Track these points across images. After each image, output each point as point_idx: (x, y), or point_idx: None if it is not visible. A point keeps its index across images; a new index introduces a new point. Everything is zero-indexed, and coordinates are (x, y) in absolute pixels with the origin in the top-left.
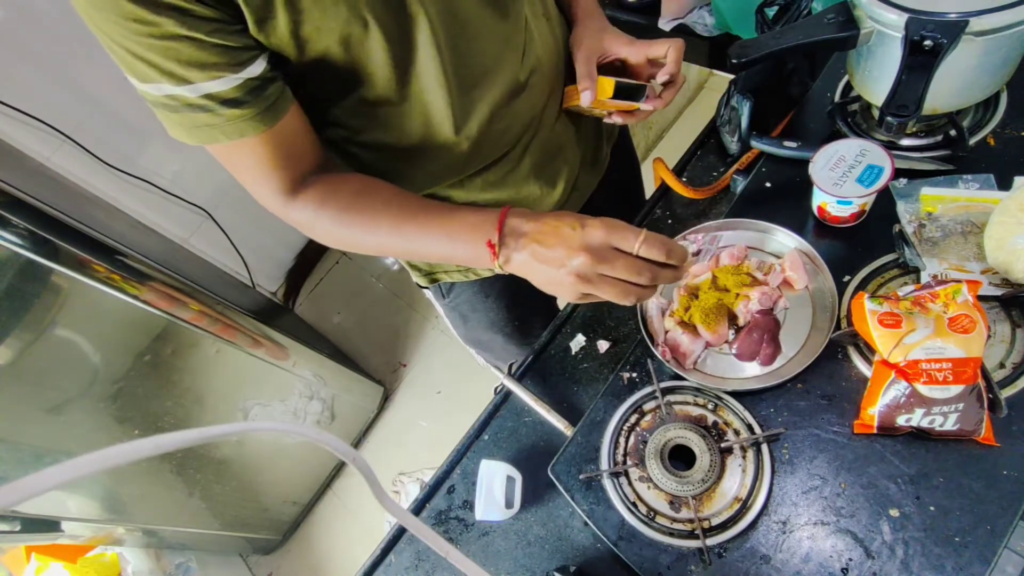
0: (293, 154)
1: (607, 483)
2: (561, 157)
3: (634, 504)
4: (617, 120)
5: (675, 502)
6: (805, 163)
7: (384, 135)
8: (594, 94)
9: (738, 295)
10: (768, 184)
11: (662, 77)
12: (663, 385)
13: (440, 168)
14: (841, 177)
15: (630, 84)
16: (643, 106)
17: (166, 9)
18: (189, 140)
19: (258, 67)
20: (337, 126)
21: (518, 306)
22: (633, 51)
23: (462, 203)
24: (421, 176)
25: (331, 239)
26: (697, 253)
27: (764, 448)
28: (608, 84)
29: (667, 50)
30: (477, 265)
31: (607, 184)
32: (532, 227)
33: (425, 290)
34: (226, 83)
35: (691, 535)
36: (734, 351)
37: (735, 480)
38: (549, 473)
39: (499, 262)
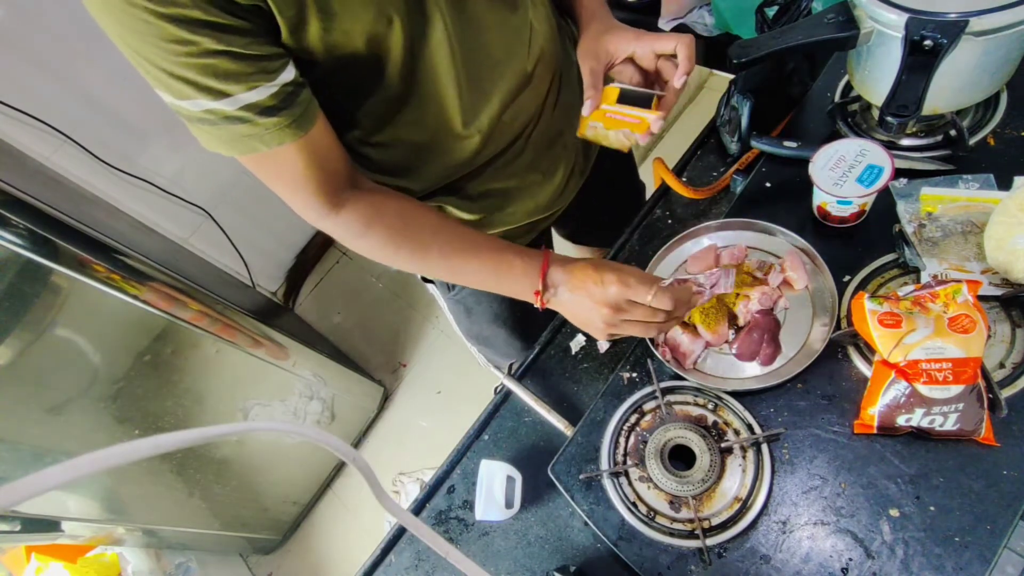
0: (327, 163)
1: (607, 483)
2: (560, 143)
3: (634, 504)
4: (638, 140)
5: (675, 502)
6: (805, 163)
7: (397, 133)
8: (597, 103)
9: (738, 295)
10: (768, 184)
11: (679, 79)
12: (663, 385)
13: (452, 162)
14: (841, 177)
15: (636, 91)
16: (653, 123)
17: (204, 27)
18: (227, 152)
19: (289, 73)
20: (351, 128)
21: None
22: (640, 46)
23: (476, 196)
24: (433, 171)
25: (374, 256)
26: (714, 285)
27: (764, 448)
28: (612, 91)
29: (675, 47)
30: (519, 298)
31: (599, 171)
32: (566, 279)
33: (429, 284)
34: (263, 92)
35: (691, 535)
36: (734, 351)
37: (735, 480)
38: (549, 473)
39: (542, 305)
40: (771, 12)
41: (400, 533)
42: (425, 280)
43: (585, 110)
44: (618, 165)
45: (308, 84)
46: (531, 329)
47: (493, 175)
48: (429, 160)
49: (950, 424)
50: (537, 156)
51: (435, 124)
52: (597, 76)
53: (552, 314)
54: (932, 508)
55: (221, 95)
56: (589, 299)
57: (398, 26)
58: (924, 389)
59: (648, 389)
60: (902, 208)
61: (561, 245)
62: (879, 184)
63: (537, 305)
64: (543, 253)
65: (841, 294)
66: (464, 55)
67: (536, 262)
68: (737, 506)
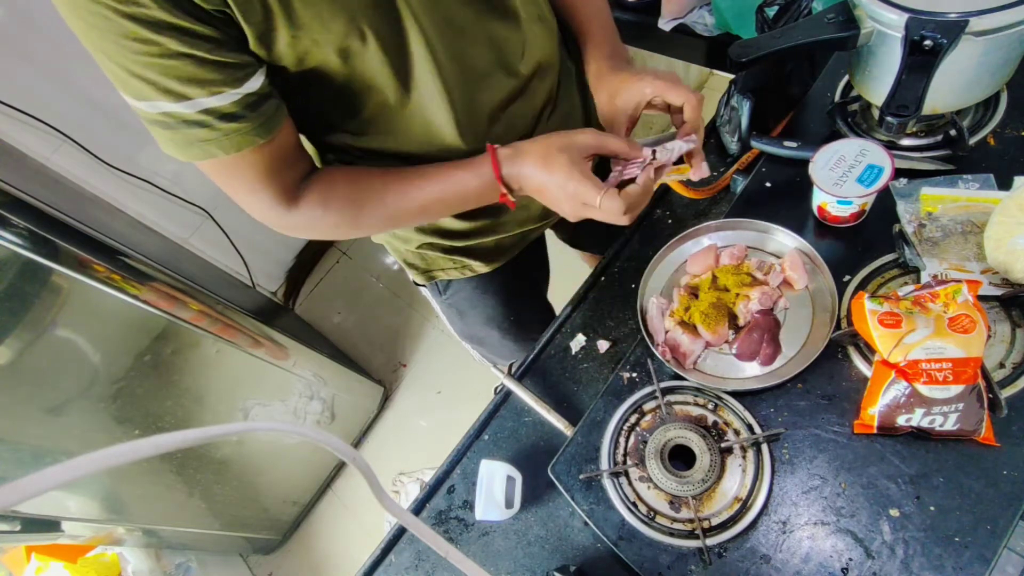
0: (286, 164)
1: (607, 483)
2: None
3: (634, 504)
4: (691, 176)
5: (675, 502)
6: (805, 163)
7: (386, 141)
8: (617, 177)
9: (738, 295)
10: (768, 184)
11: (687, 143)
12: (663, 385)
13: None
14: (841, 177)
15: (651, 142)
16: (693, 173)
17: (167, 29)
18: (183, 157)
19: (256, 82)
20: (340, 132)
21: (514, 302)
22: (653, 90)
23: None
24: None
25: (341, 230)
26: (651, 162)
27: (764, 448)
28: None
29: (683, 103)
30: (491, 203)
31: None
32: (518, 174)
33: (422, 288)
34: (225, 98)
35: (691, 535)
36: (734, 351)
37: (735, 480)
38: (549, 473)
39: (512, 204)
40: (771, 12)
41: (400, 533)
42: (417, 284)
43: (610, 179)
44: None
45: (277, 95)
46: (524, 331)
47: None
48: None
49: (950, 424)
50: None
51: (424, 134)
52: (605, 136)
53: (546, 315)
54: (932, 508)
55: (181, 98)
56: (551, 196)
57: (373, 41)
58: (924, 389)
59: (648, 389)
60: (902, 208)
61: (561, 249)
62: (879, 184)
63: (510, 203)
64: (489, 156)
65: (841, 294)
66: (450, 66)
67: (487, 170)
68: (737, 506)
